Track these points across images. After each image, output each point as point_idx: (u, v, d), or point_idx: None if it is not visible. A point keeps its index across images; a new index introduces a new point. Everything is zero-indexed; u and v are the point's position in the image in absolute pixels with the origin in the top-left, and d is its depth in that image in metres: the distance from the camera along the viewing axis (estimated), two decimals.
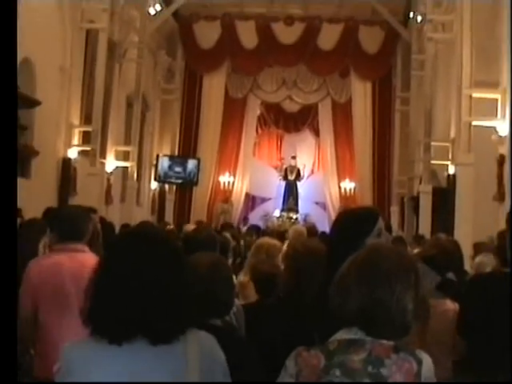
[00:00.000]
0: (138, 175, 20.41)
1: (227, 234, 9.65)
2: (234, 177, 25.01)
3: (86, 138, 15.98)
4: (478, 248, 8.12)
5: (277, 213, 24.58)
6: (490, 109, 11.51)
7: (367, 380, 2.41)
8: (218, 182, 24.84)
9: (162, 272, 2.46)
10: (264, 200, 26.07)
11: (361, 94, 23.88)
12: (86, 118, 16.33)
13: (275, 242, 6.64)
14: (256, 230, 12.90)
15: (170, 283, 2.46)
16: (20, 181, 12.82)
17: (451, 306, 4.71)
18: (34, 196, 12.75)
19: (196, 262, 3.55)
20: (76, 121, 15.82)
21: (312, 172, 26.17)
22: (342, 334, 2.48)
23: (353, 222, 3.64)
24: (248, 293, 5.81)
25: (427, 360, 2.50)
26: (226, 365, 2.61)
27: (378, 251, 2.61)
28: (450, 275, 6.14)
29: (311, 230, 9.54)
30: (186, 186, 23.55)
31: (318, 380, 2.41)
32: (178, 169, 22.58)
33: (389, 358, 2.43)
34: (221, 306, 3.57)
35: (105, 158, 17.66)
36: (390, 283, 2.46)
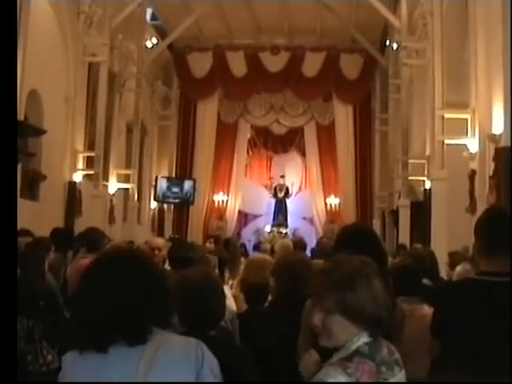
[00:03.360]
0: (138, 196, 20.42)
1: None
2: (228, 196, 25.00)
3: (89, 162, 16.01)
4: (453, 257, 8.16)
5: (268, 228, 24.56)
6: (461, 128, 11.56)
7: (397, 368, 2.54)
8: (213, 201, 24.82)
9: (133, 282, 2.52)
10: (256, 216, 26.06)
11: (343, 116, 23.92)
12: (90, 144, 16.36)
13: (265, 256, 6.64)
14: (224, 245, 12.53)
15: (138, 292, 2.51)
16: (29, 203, 12.97)
17: (428, 310, 4.73)
18: (42, 217, 12.79)
19: (187, 277, 3.57)
20: (80, 147, 15.85)
21: (300, 189, 26.16)
22: (361, 340, 2.50)
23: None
24: (241, 305, 5.81)
25: None
26: (218, 369, 2.61)
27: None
28: (426, 281, 6.19)
29: (299, 243, 9.52)
30: (183, 205, 23.54)
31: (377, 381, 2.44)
32: (175, 189, 22.62)
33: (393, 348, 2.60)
34: (211, 317, 3.56)
35: (107, 180, 17.67)
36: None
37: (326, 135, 24.48)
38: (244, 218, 26.18)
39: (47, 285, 5.83)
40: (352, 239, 3.94)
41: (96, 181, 16.12)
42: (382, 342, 2.55)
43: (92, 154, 16.10)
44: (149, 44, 20.87)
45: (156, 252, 7.22)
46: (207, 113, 24.36)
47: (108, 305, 2.45)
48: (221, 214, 24.76)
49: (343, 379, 2.37)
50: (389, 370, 2.48)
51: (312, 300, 2.59)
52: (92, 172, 16.02)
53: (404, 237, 15.50)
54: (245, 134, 25.35)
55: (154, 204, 23.07)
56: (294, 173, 26.00)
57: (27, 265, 4.61)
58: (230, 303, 5.65)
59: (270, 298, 5.04)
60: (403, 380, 2.56)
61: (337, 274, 2.53)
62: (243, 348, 3.98)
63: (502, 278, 3.35)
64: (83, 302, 2.54)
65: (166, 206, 23.71)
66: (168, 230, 22.70)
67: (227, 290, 6.02)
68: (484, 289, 3.40)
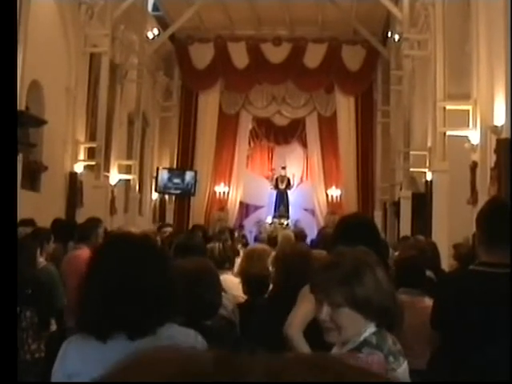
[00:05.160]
0: (139, 187, 20.41)
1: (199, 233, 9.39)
2: (229, 187, 25.02)
3: (91, 153, 16.01)
4: (457, 248, 8.19)
5: (269, 219, 24.58)
6: (463, 119, 11.54)
7: (402, 357, 2.56)
8: (214, 192, 24.85)
9: (141, 271, 2.48)
10: (257, 208, 26.08)
11: (345, 108, 23.91)
12: (91, 135, 16.36)
13: (264, 247, 6.64)
14: (229, 231, 12.71)
15: (150, 281, 2.48)
16: (30, 194, 12.98)
17: (429, 302, 4.72)
18: (44, 208, 12.78)
19: (182, 267, 3.56)
20: (81, 138, 15.84)
21: (301, 181, 26.16)
22: (368, 331, 2.52)
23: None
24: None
25: None
26: None
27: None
28: (429, 273, 6.18)
29: (299, 234, 9.55)
30: (185, 196, 23.55)
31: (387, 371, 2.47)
32: (176, 180, 22.63)
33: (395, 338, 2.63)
34: (207, 308, 3.55)
35: (109, 171, 17.69)
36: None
37: (328, 127, 24.48)
38: (245, 209, 26.21)
39: (36, 274, 5.84)
40: (350, 230, 3.94)
41: (97, 172, 16.12)
42: (386, 332, 2.57)
43: (93, 145, 16.10)
44: (150, 35, 20.85)
45: None
46: (209, 104, 24.36)
47: (115, 292, 2.44)
48: (222, 205, 24.79)
49: None
50: (396, 359, 2.51)
51: (317, 296, 2.58)
52: (93, 163, 16.01)
53: (405, 228, 15.50)
54: (246, 125, 25.35)
55: (155, 195, 23.09)
56: (296, 164, 26.01)
57: (19, 254, 4.62)
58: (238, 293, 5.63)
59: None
60: (407, 370, 2.57)
61: (342, 267, 2.52)
62: (241, 339, 3.97)
63: (502, 268, 3.34)
64: (89, 286, 2.52)
65: (167, 197, 23.72)
66: (169, 221, 22.69)
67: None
68: (484, 279, 3.39)
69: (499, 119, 9.84)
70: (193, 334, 2.59)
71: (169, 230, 11.35)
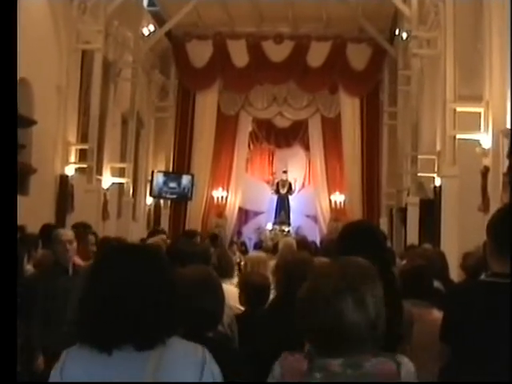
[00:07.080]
0: (133, 191, 20.42)
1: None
2: (227, 192, 25.00)
3: (82, 155, 16.00)
4: (467, 257, 8.16)
5: (269, 226, 24.58)
6: (474, 122, 11.52)
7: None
8: (212, 197, 24.83)
9: (145, 282, 2.48)
10: (257, 214, 26.08)
11: (349, 109, 23.91)
12: (83, 136, 16.35)
13: (264, 255, 6.64)
14: (212, 239, 12.84)
15: (154, 291, 2.47)
16: (19, 198, 12.83)
17: (438, 314, 4.72)
18: (33, 212, 12.74)
19: (184, 276, 3.55)
20: (73, 139, 15.82)
21: (303, 186, 26.17)
22: None
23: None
24: None
25: (407, 363, 2.52)
26: (221, 376, 2.58)
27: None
28: (437, 284, 6.17)
29: (301, 242, 9.55)
30: (181, 201, 23.55)
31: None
32: (172, 184, 22.62)
33: (368, 361, 2.47)
34: (209, 318, 3.54)
35: (101, 174, 17.68)
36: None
37: (332, 129, 24.49)
38: (244, 215, 26.20)
39: (23, 282, 5.85)
40: (354, 238, 3.93)
41: (89, 175, 16.12)
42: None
43: (85, 147, 16.09)
44: (146, 31, 20.86)
45: (67, 246, 6.50)
46: (207, 104, 24.36)
47: (119, 302, 2.43)
48: (220, 210, 24.77)
49: (277, 368, 2.60)
50: (326, 378, 2.47)
51: None
52: (85, 165, 16.01)
53: (412, 236, 15.47)
54: (246, 127, 25.34)
55: (149, 200, 23.07)
56: (298, 168, 26.01)
57: None
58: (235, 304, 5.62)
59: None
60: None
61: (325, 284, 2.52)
62: (241, 352, 3.97)
63: None
64: (88, 297, 2.51)
65: (162, 201, 23.71)
66: (164, 227, 22.67)
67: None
68: (495, 291, 3.38)
69: None
70: (200, 349, 2.58)
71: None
